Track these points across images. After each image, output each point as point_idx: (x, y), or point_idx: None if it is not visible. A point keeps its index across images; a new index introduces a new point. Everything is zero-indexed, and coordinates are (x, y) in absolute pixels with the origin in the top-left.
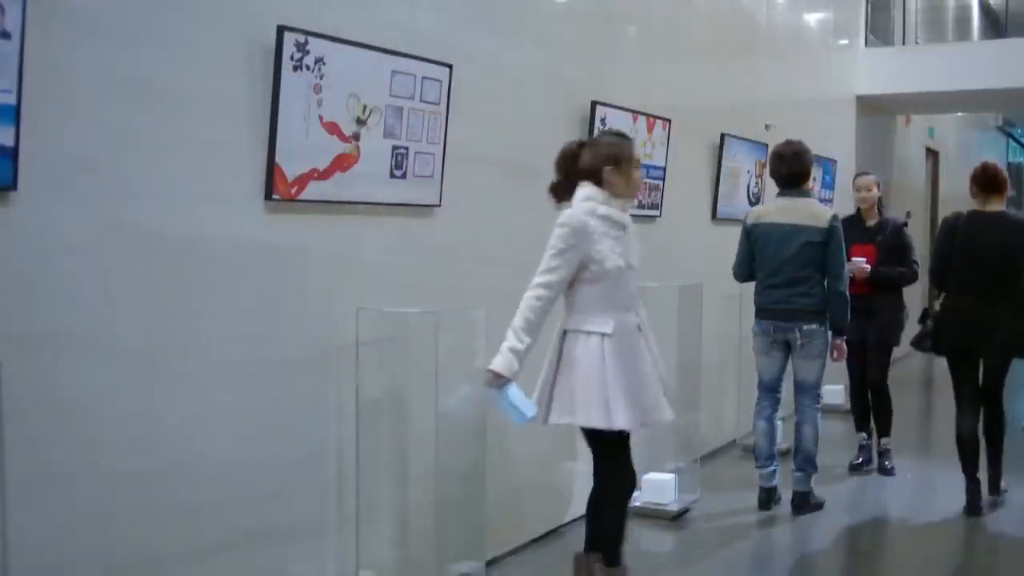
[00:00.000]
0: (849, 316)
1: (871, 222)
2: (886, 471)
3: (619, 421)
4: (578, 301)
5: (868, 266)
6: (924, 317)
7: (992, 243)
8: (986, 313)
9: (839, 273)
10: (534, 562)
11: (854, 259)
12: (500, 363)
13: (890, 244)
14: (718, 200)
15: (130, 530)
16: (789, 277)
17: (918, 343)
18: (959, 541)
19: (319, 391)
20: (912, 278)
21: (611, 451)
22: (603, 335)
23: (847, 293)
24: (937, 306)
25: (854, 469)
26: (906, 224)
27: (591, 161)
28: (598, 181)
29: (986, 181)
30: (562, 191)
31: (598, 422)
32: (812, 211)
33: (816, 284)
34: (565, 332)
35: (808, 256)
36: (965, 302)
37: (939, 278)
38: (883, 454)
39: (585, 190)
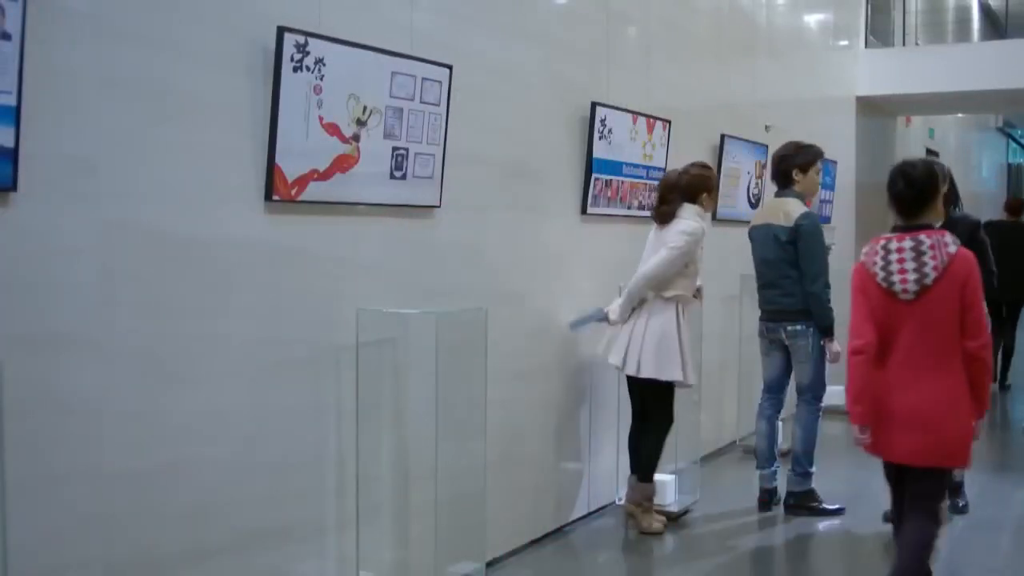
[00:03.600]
0: (832, 320)
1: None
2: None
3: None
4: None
5: None
6: None
7: (1016, 239)
8: (1013, 277)
9: (809, 271)
10: (534, 562)
11: None
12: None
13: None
14: (718, 201)
15: (130, 531)
16: (772, 277)
17: None
18: (960, 541)
19: (319, 392)
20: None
21: (666, 399)
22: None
23: (820, 295)
24: None
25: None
26: (980, 224)
27: (694, 187)
28: (695, 202)
29: (1019, 207)
30: (669, 215)
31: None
32: (785, 209)
33: (796, 283)
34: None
35: (783, 255)
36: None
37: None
38: None
39: (695, 209)
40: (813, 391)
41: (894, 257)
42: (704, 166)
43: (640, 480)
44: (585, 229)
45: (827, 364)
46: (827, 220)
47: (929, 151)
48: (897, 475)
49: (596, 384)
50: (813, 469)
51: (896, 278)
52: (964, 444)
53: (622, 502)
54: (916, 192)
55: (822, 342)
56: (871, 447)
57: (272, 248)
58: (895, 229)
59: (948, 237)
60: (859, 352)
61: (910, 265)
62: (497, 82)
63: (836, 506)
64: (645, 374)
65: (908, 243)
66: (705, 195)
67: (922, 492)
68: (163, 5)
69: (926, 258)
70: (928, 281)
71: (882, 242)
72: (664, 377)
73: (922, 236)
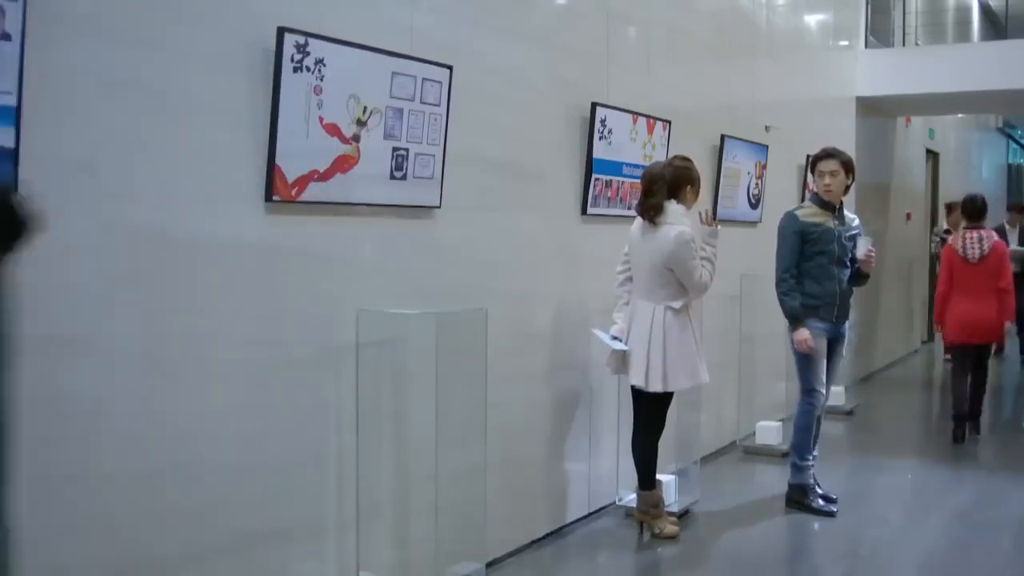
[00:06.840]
0: (792, 309)
1: None
2: None
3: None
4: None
5: None
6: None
7: None
8: None
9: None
10: (534, 563)
11: None
12: None
13: None
14: (718, 201)
15: (130, 531)
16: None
17: None
18: (960, 541)
19: (319, 392)
20: None
21: (664, 406)
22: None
23: (776, 288)
24: None
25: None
26: None
27: (678, 178)
28: (679, 193)
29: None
30: (657, 208)
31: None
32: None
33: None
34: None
35: None
36: None
37: None
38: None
39: (680, 207)
40: (801, 385)
41: (968, 240)
42: (686, 159)
43: (642, 488)
44: (585, 229)
45: (817, 360)
46: None
47: (929, 151)
48: (967, 354)
49: (596, 385)
50: (802, 463)
51: (969, 250)
52: (999, 333)
53: (622, 503)
54: (981, 209)
55: (792, 333)
56: (950, 338)
57: (272, 248)
58: (966, 228)
59: (992, 232)
60: (940, 295)
61: (976, 244)
62: (497, 82)
63: (829, 508)
64: (674, 387)
65: (976, 234)
66: (688, 188)
67: (982, 358)
68: (163, 6)
69: (983, 241)
70: (985, 252)
71: (962, 233)
72: (693, 383)
73: (982, 232)
